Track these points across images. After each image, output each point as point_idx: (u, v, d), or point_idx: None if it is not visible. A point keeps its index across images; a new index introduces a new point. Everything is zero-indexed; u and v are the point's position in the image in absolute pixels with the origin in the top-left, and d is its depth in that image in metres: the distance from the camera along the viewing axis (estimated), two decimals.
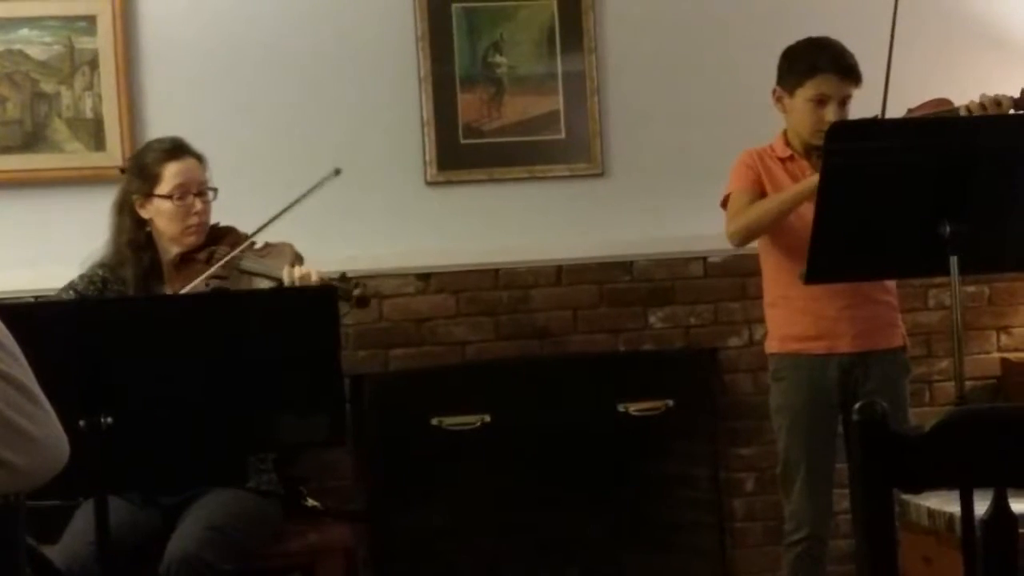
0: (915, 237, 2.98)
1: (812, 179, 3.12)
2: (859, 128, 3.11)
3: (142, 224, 3.31)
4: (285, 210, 3.17)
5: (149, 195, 3.28)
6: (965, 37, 4.19)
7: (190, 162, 3.30)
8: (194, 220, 3.28)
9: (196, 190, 3.29)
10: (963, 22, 4.20)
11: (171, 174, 3.27)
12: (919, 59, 3.86)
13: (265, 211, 3.22)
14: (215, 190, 3.33)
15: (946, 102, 3.26)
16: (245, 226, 3.29)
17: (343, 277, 3.19)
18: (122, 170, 3.38)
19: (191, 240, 3.28)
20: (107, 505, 2.55)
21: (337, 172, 3.22)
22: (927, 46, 4.06)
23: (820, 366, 3.35)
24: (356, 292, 3.17)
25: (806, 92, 3.32)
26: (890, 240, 3.03)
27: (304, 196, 3.19)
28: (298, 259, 3.25)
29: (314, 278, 3.13)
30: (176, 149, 3.31)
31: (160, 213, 3.28)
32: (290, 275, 3.14)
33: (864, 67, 3.31)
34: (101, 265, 3.31)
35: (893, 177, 2.94)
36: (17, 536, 1.77)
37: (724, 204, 3.42)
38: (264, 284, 3.21)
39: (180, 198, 3.27)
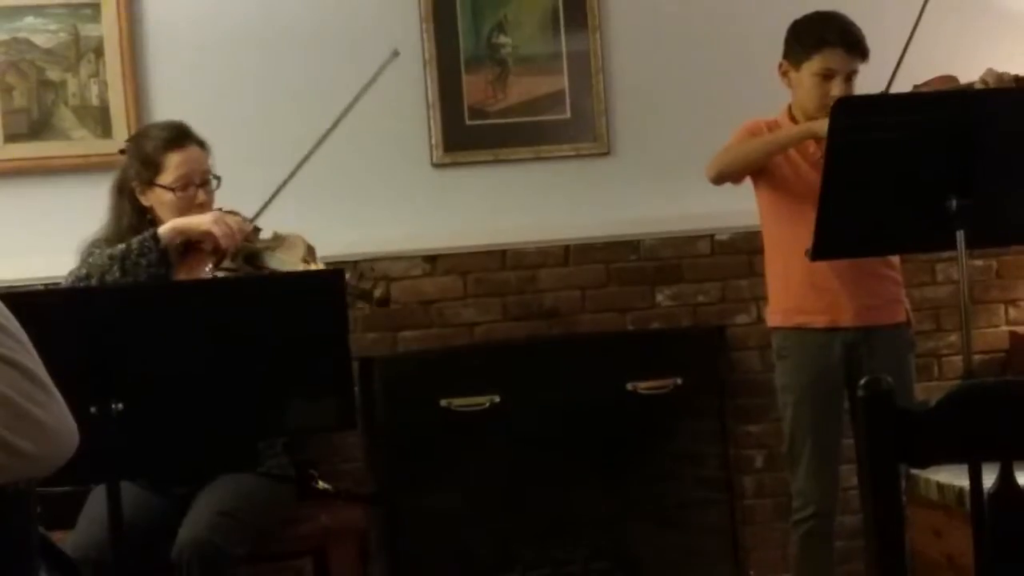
0: (922, 212, 2.97)
1: (804, 125, 3.10)
2: (865, 103, 3.10)
3: (143, 211, 3.20)
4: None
5: (150, 183, 3.17)
6: (973, 14, 4.17)
7: (193, 151, 3.18)
8: (197, 211, 3.12)
9: (199, 180, 3.17)
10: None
11: (174, 164, 3.14)
12: (926, 36, 3.84)
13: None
14: (219, 178, 3.21)
15: (952, 79, 3.24)
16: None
17: (361, 277, 3.15)
18: (122, 151, 3.26)
19: None
20: (119, 491, 2.56)
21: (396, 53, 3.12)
22: (934, 23, 4.02)
23: (824, 343, 3.35)
24: (377, 294, 3.14)
25: (812, 66, 3.31)
26: (897, 215, 3.02)
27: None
28: (311, 252, 3.12)
29: None
30: (179, 136, 3.18)
31: (162, 203, 3.16)
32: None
33: (872, 43, 3.30)
34: (102, 243, 3.16)
35: (899, 152, 2.92)
36: (28, 523, 1.78)
37: None
38: None
39: (183, 189, 3.14)
